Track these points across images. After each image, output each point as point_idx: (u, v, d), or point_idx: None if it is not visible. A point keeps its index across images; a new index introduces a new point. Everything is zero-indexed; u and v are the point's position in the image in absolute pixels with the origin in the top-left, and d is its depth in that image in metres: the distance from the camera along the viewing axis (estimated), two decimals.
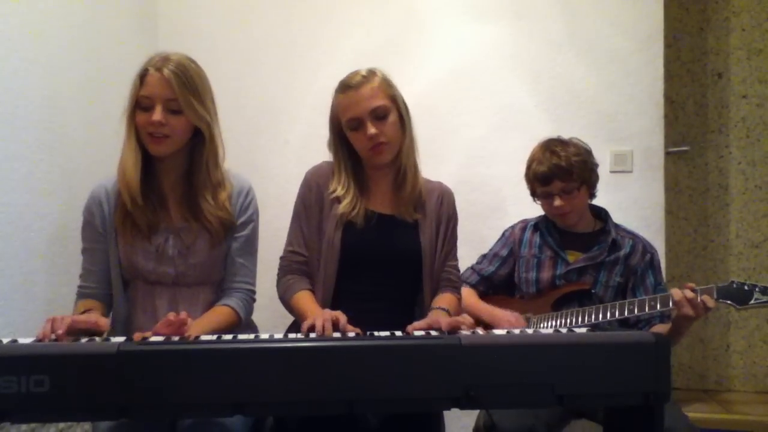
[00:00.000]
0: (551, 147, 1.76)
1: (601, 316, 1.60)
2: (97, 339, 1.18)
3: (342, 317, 1.28)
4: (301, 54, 2.47)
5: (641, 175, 2.30)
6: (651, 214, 2.29)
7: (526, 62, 2.37)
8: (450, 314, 1.49)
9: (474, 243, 2.06)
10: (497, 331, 1.26)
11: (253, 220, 1.61)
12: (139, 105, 1.44)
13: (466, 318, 1.31)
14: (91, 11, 2.05)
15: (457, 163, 2.39)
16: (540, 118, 2.35)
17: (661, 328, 1.64)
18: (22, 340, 1.10)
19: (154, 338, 1.17)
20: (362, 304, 1.48)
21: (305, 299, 1.53)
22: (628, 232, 1.81)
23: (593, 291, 1.74)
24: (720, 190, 2.70)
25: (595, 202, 1.86)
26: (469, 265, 1.95)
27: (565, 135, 1.83)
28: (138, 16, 2.39)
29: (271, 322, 1.84)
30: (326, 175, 1.62)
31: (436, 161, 2.25)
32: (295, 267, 1.60)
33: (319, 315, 1.29)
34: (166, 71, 1.42)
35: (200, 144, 1.52)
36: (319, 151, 1.68)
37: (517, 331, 1.26)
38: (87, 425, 1.65)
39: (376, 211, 1.59)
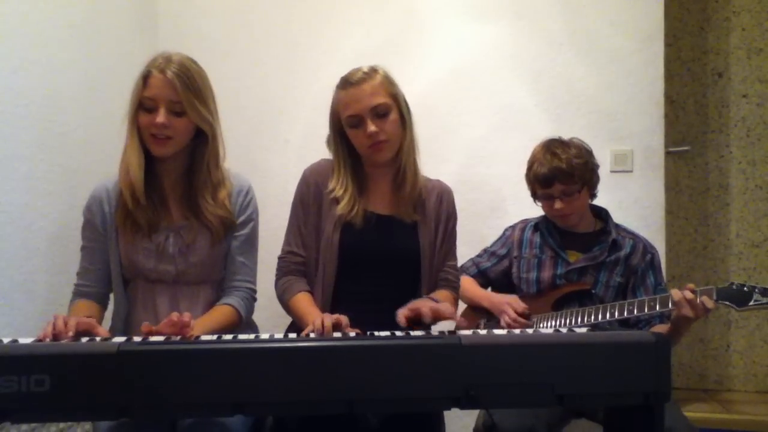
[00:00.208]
0: (552, 148, 1.75)
1: (601, 316, 1.60)
2: (98, 339, 1.18)
3: (344, 320, 1.28)
4: (301, 54, 2.47)
5: (641, 174, 2.30)
6: (651, 213, 2.29)
7: (527, 62, 2.37)
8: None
9: (474, 243, 2.07)
10: (497, 331, 1.26)
11: (253, 219, 1.61)
12: (142, 106, 1.45)
13: (447, 307, 1.34)
14: (91, 11, 2.05)
15: (457, 162, 2.39)
16: (540, 117, 2.35)
17: (660, 329, 1.64)
18: (22, 340, 1.10)
19: (154, 338, 1.17)
20: (362, 304, 1.48)
21: (304, 302, 1.53)
22: (629, 232, 1.81)
23: (593, 291, 1.74)
24: (720, 189, 2.70)
25: (596, 201, 1.85)
26: (470, 257, 1.99)
27: (566, 135, 1.83)
28: (138, 16, 2.39)
29: (271, 322, 1.84)
30: (325, 173, 1.62)
31: (436, 161, 2.24)
32: (293, 268, 1.60)
33: (318, 317, 1.29)
34: (169, 73, 1.42)
35: (202, 144, 1.53)
36: (319, 151, 1.68)
37: (517, 331, 1.26)
38: (87, 425, 1.66)
39: (375, 211, 1.59)
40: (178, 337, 1.19)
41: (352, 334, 1.23)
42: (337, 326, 1.25)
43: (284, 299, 1.58)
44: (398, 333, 1.24)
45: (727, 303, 1.47)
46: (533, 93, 2.37)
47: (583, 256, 1.77)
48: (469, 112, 2.40)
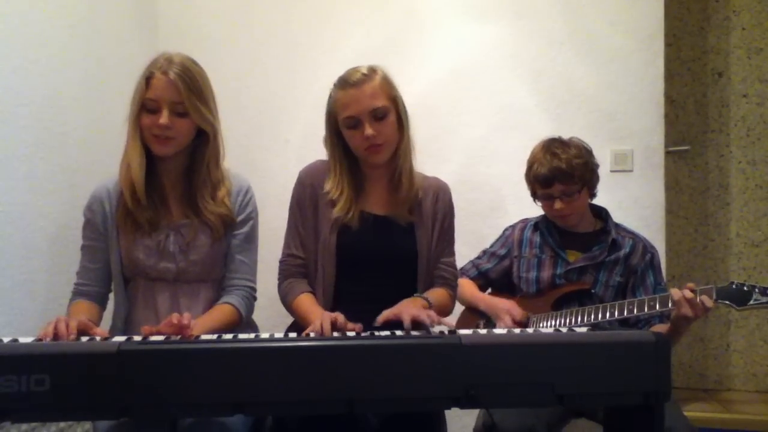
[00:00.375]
0: (552, 148, 1.75)
1: (601, 315, 1.60)
2: (98, 338, 1.18)
3: (340, 317, 1.28)
4: (301, 54, 2.47)
5: (641, 174, 2.30)
6: (651, 213, 2.29)
7: (527, 62, 2.37)
8: (430, 304, 1.48)
9: (474, 242, 2.07)
10: (497, 331, 1.26)
11: (252, 218, 1.61)
12: (144, 107, 1.45)
13: (432, 315, 1.29)
14: (91, 11, 2.05)
15: (458, 162, 2.39)
16: (540, 117, 2.35)
17: (660, 328, 1.63)
18: (22, 340, 1.10)
19: (154, 338, 1.17)
20: (362, 304, 1.48)
21: (306, 302, 1.53)
22: (629, 232, 1.81)
23: (593, 291, 1.74)
24: (720, 189, 2.70)
25: (596, 201, 1.85)
26: (470, 259, 1.98)
27: (566, 134, 1.83)
28: (138, 16, 2.39)
29: (271, 322, 1.84)
30: (320, 174, 1.61)
31: (436, 161, 2.25)
32: (293, 270, 1.60)
33: (318, 317, 1.29)
34: (172, 74, 1.43)
35: (202, 144, 1.54)
36: (319, 151, 1.68)
37: (517, 331, 1.26)
38: (87, 425, 1.66)
39: (371, 212, 1.59)
40: (178, 337, 1.19)
41: (352, 333, 1.23)
42: (335, 325, 1.25)
43: (287, 301, 1.58)
44: (398, 333, 1.25)
45: (727, 302, 1.47)
46: (533, 93, 2.37)
47: (582, 256, 1.77)
48: (469, 112, 2.40)
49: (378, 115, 1.50)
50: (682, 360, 2.71)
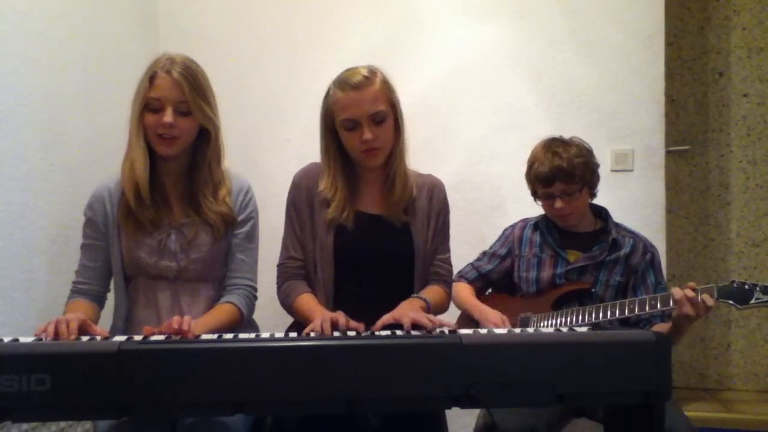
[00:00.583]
0: (553, 148, 1.75)
1: (601, 315, 1.60)
2: (98, 338, 1.18)
3: (341, 317, 1.28)
4: (301, 53, 2.47)
5: (642, 173, 2.30)
6: (652, 213, 2.29)
7: (527, 61, 2.37)
8: (428, 304, 1.48)
9: (474, 242, 2.07)
10: (498, 330, 1.26)
11: (253, 217, 1.62)
12: (147, 106, 1.46)
13: (432, 319, 1.28)
14: (92, 11, 2.05)
15: (458, 162, 2.39)
16: (540, 117, 2.35)
17: (661, 328, 1.63)
18: (23, 339, 1.10)
19: (154, 337, 1.17)
20: (362, 305, 1.48)
21: (308, 301, 1.53)
22: (629, 231, 1.81)
23: (594, 290, 1.74)
24: (721, 188, 2.70)
25: (596, 201, 1.85)
26: (469, 261, 1.96)
27: (566, 134, 1.83)
28: (138, 16, 2.39)
29: (271, 322, 1.85)
30: (315, 176, 1.61)
31: (436, 160, 2.25)
32: (293, 272, 1.60)
33: (319, 318, 1.29)
34: (175, 74, 1.44)
35: (203, 143, 1.54)
36: (318, 151, 1.68)
37: (517, 331, 1.26)
38: (87, 424, 1.66)
39: (366, 211, 1.59)
40: (179, 337, 1.19)
41: (352, 333, 1.23)
42: (335, 325, 1.25)
43: (288, 303, 1.58)
44: (398, 332, 1.25)
45: (728, 301, 1.47)
46: (533, 92, 2.37)
47: (583, 256, 1.77)
48: (469, 111, 2.40)
49: (377, 120, 1.50)
50: (682, 360, 2.71)
